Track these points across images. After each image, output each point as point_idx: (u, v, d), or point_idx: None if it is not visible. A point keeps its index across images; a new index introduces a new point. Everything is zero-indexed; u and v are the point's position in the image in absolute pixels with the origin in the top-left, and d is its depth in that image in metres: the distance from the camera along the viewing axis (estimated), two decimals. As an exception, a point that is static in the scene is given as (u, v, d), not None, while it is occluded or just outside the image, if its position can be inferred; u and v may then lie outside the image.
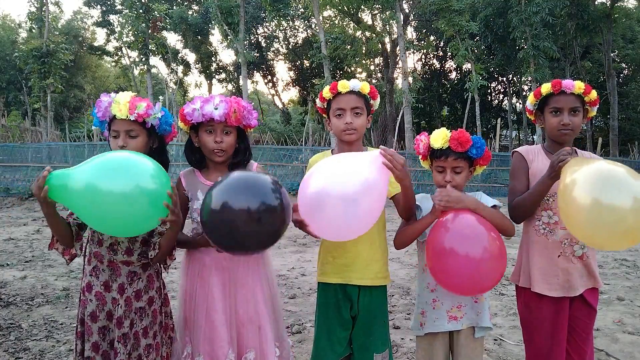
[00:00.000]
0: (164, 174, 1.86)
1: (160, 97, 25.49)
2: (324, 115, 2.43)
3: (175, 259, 2.18)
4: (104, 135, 2.18)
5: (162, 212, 1.81)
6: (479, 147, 2.14)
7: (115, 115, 2.03)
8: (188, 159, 2.24)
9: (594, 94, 2.25)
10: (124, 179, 1.74)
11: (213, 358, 2.05)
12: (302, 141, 16.56)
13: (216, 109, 2.06)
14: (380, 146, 1.95)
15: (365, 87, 2.28)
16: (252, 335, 2.11)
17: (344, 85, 2.26)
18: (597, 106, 2.32)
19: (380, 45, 25.01)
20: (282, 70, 70.74)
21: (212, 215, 1.73)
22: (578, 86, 2.22)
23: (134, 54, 24.04)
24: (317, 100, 2.39)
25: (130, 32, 22.37)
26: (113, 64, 34.67)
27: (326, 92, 2.30)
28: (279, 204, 1.74)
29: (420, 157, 2.31)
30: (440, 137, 2.16)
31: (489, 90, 30.05)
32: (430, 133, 2.23)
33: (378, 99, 2.37)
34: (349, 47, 25.02)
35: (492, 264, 1.92)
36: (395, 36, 22.81)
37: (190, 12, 29.19)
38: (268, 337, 2.13)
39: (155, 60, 27.72)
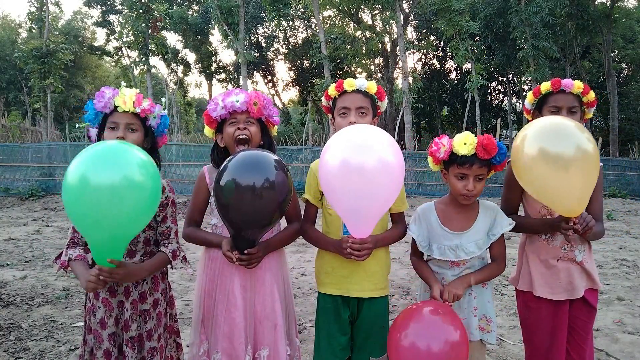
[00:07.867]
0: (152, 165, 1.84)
1: (163, 99, 25.45)
2: (328, 114, 2.39)
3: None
4: (88, 134, 2.15)
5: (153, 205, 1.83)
6: (502, 154, 2.04)
7: (116, 107, 2.04)
8: (212, 158, 2.28)
9: (592, 95, 2.25)
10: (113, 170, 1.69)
11: (232, 355, 2.06)
12: (302, 141, 16.54)
13: (237, 101, 2.14)
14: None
15: (372, 87, 2.24)
16: (268, 333, 2.12)
17: (350, 83, 2.22)
18: (594, 108, 2.31)
19: (380, 45, 25.01)
20: (282, 70, 70.85)
21: (225, 193, 1.84)
22: (577, 85, 2.22)
23: (134, 54, 24.03)
24: (323, 99, 2.35)
25: (130, 32, 22.31)
26: (113, 64, 34.67)
27: (332, 90, 2.26)
28: (281, 177, 1.86)
29: (432, 159, 2.19)
30: (467, 143, 2.02)
31: (489, 90, 30.02)
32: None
33: (385, 101, 2.33)
34: (349, 47, 25.04)
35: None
36: (395, 36, 22.81)
37: (190, 12, 29.20)
38: (282, 336, 2.15)
39: (155, 60, 27.75)
